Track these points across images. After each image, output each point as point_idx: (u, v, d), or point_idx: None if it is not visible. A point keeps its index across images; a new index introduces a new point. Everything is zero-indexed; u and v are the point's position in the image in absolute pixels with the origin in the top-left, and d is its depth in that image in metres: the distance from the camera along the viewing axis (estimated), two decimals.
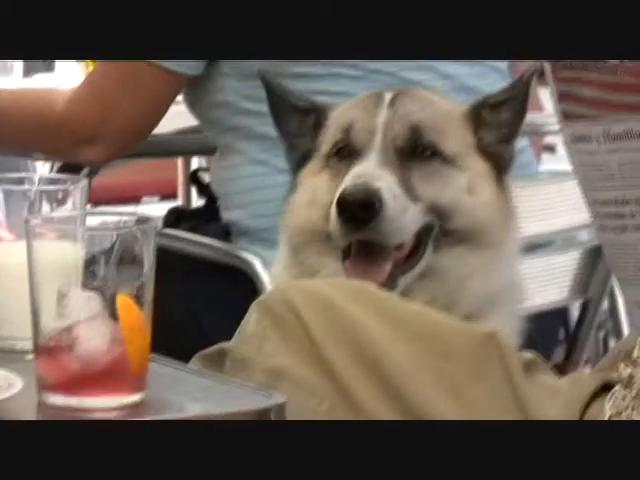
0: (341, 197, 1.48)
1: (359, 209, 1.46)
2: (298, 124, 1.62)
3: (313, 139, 1.62)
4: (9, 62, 2.66)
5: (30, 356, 1.11)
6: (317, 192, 1.59)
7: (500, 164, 1.63)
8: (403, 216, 1.51)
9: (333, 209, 1.50)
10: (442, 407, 1.25)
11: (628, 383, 1.00)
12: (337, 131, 1.60)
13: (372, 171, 1.52)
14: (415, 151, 1.57)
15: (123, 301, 1.06)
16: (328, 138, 1.61)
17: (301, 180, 1.62)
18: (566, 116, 1.14)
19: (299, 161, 1.64)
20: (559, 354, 2.13)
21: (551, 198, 1.87)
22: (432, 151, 1.58)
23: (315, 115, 1.62)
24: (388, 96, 1.59)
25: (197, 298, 1.93)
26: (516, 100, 1.60)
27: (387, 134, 1.56)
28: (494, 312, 1.57)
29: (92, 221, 1.16)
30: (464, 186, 1.59)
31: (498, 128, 1.62)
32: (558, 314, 2.10)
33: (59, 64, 2.83)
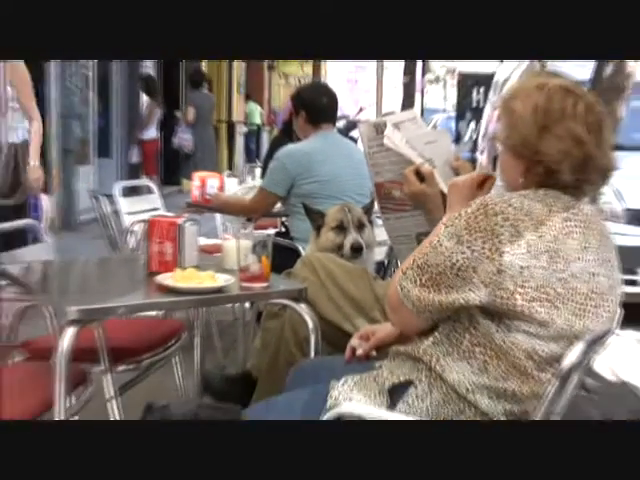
0: (352, 245, 2.89)
1: (359, 249, 2.90)
2: (320, 218, 3.04)
3: (322, 222, 3.01)
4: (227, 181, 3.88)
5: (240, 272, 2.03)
6: (329, 238, 2.94)
7: (371, 222, 3.05)
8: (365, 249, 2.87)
9: (347, 246, 2.90)
10: (345, 287, 2.41)
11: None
12: (334, 222, 2.93)
13: (357, 238, 2.92)
14: (362, 227, 2.99)
15: (263, 259, 2.07)
16: (330, 222, 2.96)
17: (322, 233, 2.96)
18: (382, 210, 2.04)
19: (318, 227, 3.02)
20: (382, 273, 3.44)
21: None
22: (363, 225, 2.98)
23: (323, 216, 3.02)
24: (347, 209, 2.99)
25: (284, 258, 2.82)
26: (371, 204, 3.04)
27: (353, 223, 2.96)
28: (371, 259, 3.04)
29: (255, 233, 2.12)
30: (370, 233, 3.01)
31: (368, 214, 3.09)
32: (381, 262, 3.56)
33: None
